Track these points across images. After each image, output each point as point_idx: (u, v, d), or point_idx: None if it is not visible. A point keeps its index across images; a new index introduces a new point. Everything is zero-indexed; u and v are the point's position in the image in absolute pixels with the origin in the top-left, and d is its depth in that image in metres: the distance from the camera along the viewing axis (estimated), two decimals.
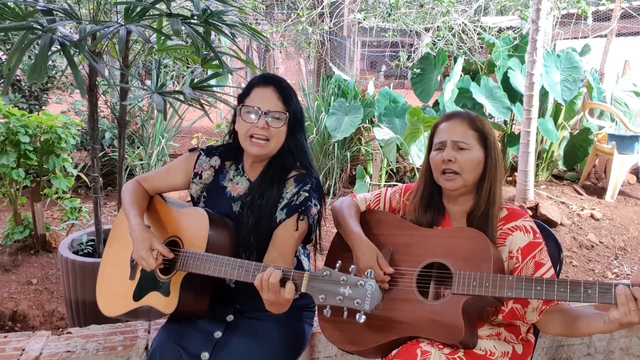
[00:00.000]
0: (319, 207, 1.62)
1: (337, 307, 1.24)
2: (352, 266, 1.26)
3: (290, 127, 1.61)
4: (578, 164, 5.72)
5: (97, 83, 2.37)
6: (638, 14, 7.68)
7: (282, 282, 1.31)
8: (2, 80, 4.73)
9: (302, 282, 1.27)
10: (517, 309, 1.51)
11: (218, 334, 1.57)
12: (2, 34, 4.26)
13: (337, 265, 1.28)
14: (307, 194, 1.58)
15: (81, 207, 3.41)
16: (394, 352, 1.43)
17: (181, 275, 1.54)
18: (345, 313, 1.24)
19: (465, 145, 1.52)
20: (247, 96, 1.60)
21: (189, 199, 1.80)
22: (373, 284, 1.20)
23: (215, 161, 1.73)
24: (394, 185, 1.96)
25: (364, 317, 1.21)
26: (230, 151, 1.74)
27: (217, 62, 2.30)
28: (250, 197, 1.63)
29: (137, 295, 1.63)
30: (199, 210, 1.61)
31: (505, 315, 1.51)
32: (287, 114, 1.59)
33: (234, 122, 1.68)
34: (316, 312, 1.68)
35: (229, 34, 2.26)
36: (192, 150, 1.78)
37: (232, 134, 1.72)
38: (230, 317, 1.63)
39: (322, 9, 6.77)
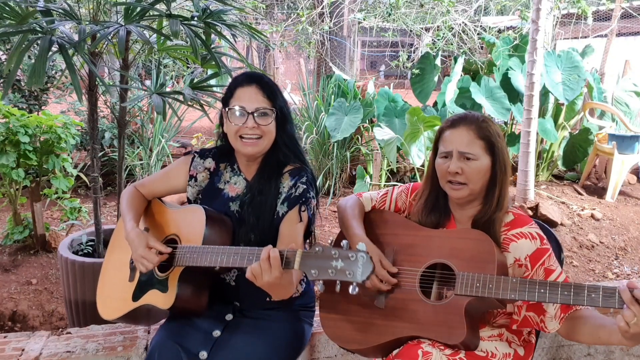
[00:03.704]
0: (315, 200, 1.63)
1: (330, 282, 1.26)
2: (344, 241, 1.28)
3: (279, 122, 1.62)
4: (578, 164, 5.71)
5: (96, 83, 2.36)
6: (638, 14, 7.68)
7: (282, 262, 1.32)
8: (1, 80, 4.73)
9: (295, 259, 1.28)
10: (531, 316, 1.47)
11: (217, 333, 1.57)
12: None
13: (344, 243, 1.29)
14: (305, 186, 1.59)
15: (81, 207, 3.41)
16: (395, 352, 1.43)
17: (179, 270, 1.55)
18: (338, 287, 1.26)
19: (472, 156, 1.48)
20: (231, 97, 1.61)
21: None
22: (364, 255, 1.22)
23: (210, 163, 1.74)
24: (394, 185, 1.96)
25: (357, 288, 1.24)
26: (223, 153, 1.75)
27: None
28: (249, 194, 1.64)
29: (136, 295, 1.64)
30: (195, 207, 1.63)
31: (519, 324, 1.49)
32: (274, 109, 1.60)
33: (221, 124, 1.69)
34: (317, 311, 1.68)
35: (229, 36, 2.25)
36: (186, 153, 1.80)
37: (222, 137, 1.73)
38: (229, 316, 1.63)
39: (322, 8, 6.77)
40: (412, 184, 1.75)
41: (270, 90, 1.61)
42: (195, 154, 1.76)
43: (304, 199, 1.57)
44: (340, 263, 1.23)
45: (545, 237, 1.51)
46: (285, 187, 1.62)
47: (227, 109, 1.60)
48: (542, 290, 1.31)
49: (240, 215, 1.64)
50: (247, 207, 1.62)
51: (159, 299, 1.56)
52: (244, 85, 1.60)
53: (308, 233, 1.67)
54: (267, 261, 1.30)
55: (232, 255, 1.43)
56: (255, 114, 1.56)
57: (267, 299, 1.64)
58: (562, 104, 5.45)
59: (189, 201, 1.76)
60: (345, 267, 1.23)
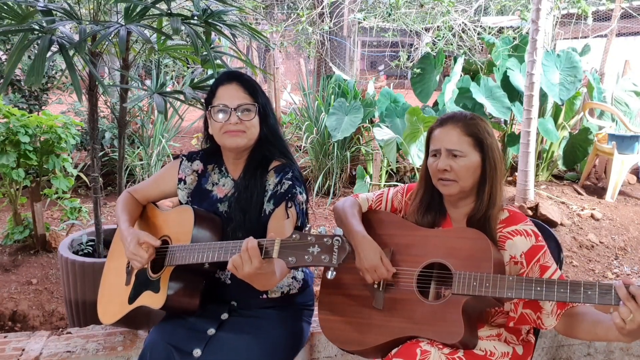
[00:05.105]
0: (304, 195, 1.62)
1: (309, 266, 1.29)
2: (320, 227, 1.29)
3: (262, 117, 1.65)
4: (578, 164, 5.71)
5: (96, 83, 2.36)
6: (638, 14, 7.68)
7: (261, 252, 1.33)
8: (1, 80, 4.73)
9: (273, 248, 1.29)
10: (527, 314, 1.47)
11: (211, 331, 1.57)
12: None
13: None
14: (290, 182, 1.60)
15: (81, 207, 3.41)
16: (393, 351, 1.43)
17: (170, 270, 1.57)
18: (330, 273, 1.28)
19: (460, 152, 1.50)
20: (214, 97, 1.64)
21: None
22: (340, 239, 1.24)
23: (197, 165, 1.77)
24: (394, 185, 1.96)
25: (334, 273, 1.26)
26: (210, 155, 1.77)
27: (217, 61, 2.31)
28: (237, 193, 1.65)
29: (132, 298, 1.66)
30: (185, 207, 1.66)
31: (515, 322, 1.49)
32: (256, 104, 1.62)
33: (206, 127, 1.71)
34: (316, 312, 1.69)
35: (229, 35, 2.25)
36: (175, 158, 1.83)
37: (207, 139, 1.75)
38: (224, 316, 1.63)
39: (322, 9, 6.78)
40: (407, 184, 1.76)
41: (251, 87, 1.63)
42: (183, 157, 1.79)
43: (289, 196, 1.58)
44: (317, 248, 1.24)
45: (540, 234, 1.52)
46: (270, 185, 1.63)
47: (210, 109, 1.63)
48: (538, 288, 1.32)
49: (228, 215, 1.65)
50: (234, 204, 1.63)
51: (152, 300, 1.58)
52: (224, 84, 1.63)
53: (300, 228, 1.67)
54: (247, 252, 1.31)
55: (217, 250, 1.45)
56: (237, 110, 1.59)
57: (264, 295, 1.65)
58: (559, 104, 5.45)
59: (180, 204, 1.77)
60: (321, 252, 1.24)
